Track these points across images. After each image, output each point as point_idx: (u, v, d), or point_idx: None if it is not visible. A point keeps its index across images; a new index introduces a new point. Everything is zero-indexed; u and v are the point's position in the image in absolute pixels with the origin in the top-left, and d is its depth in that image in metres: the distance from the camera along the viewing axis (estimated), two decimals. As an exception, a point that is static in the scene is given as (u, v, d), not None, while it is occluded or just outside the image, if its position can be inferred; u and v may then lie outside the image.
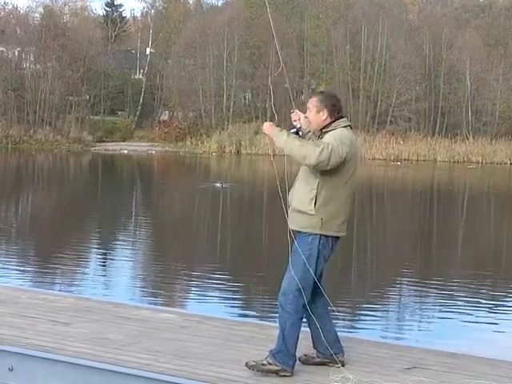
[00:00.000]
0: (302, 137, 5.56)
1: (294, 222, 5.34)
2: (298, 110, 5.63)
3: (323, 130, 5.39)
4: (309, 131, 5.57)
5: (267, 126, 5.42)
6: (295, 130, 5.54)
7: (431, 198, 31.56)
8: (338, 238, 5.39)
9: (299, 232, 5.32)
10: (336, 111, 5.39)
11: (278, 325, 5.38)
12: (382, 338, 8.14)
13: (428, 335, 9.67)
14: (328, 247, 5.32)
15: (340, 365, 5.43)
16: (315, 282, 5.35)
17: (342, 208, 5.31)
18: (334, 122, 5.37)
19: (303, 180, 5.34)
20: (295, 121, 5.57)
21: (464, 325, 10.33)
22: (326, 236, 5.27)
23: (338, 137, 5.26)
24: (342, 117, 5.42)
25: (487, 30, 67.11)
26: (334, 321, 5.74)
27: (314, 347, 5.54)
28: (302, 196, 5.29)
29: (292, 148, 5.22)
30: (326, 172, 5.21)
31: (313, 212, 5.22)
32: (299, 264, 5.26)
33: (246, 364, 5.22)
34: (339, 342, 5.55)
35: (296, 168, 5.50)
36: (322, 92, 5.72)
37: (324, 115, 5.37)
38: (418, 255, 17.11)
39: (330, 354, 5.46)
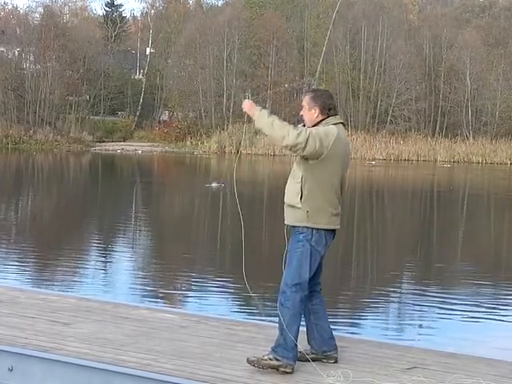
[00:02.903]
0: None
1: (287, 217, 5.46)
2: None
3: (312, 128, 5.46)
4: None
5: (248, 105, 5.47)
6: (303, 125, 5.56)
7: (422, 199, 31.57)
8: (331, 232, 5.42)
9: (293, 228, 5.40)
10: (327, 108, 5.47)
11: (277, 325, 5.39)
12: (382, 338, 8.13)
13: (428, 335, 9.67)
14: (322, 243, 5.36)
15: (333, 361, 5.49)
16: (312, 278, 5.40)
17: (327, 202, 5.35)
18: (324, 119, 5.45)
19: (292, 175, 5.45)
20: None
21: (464, 325, 10.33)
22: (317, 230, 5.31)
23: (322, 130, 5.34)
24: (335, 114, 5.50)
25: (487, 30, 67.14)
26: (335, 320, 5.73)
27: (308, 342, 5.57)
28: (290, 190, 5.42)
29: (272, 128, 5.29)
30: (308, 166, 5.30)
31: (299, 205, 5.32)
32: (293, 260, 5.34)
33: (247, 359, 5.24)
34: (333, 339, 5.57)
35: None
36: (314, 89, 5.86)
37: (316, 113, 5.46)
38: (417, 255, 17.10)
39: (322, 351, 5.51)
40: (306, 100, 5.53)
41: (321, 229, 5.34)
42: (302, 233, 5.33)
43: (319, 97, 5.51)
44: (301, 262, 5.31)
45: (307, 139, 5.21)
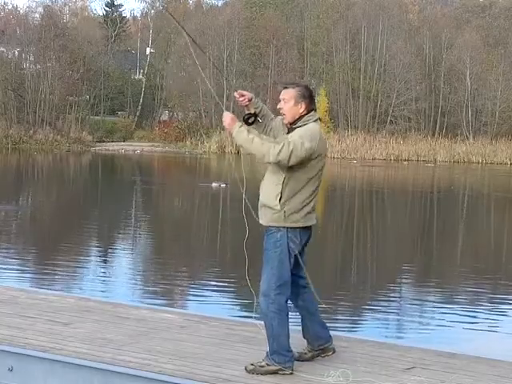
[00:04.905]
0: (261, 121, 5.47)
1: (262, 217, 5.34)
2: (242, 91, 5.47)
3: (293, 125, 5.32)
4: (257, 113, 5.45)
5: (228, 120, 5.25)
6: (252, 117, 5.40)
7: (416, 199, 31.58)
8: (307, 230, 5.35)
9: (268, 228, 5.30)
10: (313, 104, 5.35)
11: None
12: (382, 338, 8.13)
13: (428, 335, 9.67)
14: (296, 242, 5.29)
15: (331, 352, 5.49)
16: (296, 273, 5.36)
17: (305, 201, 5.27)
18: (305, 115, 5.30)
19: (271, 173, 5.32)
20: (246, 106, 5.44)
21: (464, 325, 10.33)
22: (292, 229, 5.24)
23: (305, 133, 5.19)
24: (313, 109, 5.36)
25: (487, 30, 67.10)
26: (335, 320, 5.74)
27: (304, 337, 5.54)
28: (268, 191, 5.29)
29: (252, 146, 5.17)
30: (292, 167, 5.18)
31: (278, 207, 5.21)
32: (273, 262, 5.26)
33: (245, 368, 5.23)
34: (327, 330, 5.56)
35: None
36: (297, 83, 5.59)
37: (302, 108, 5.30)
38: (418, 255, 17.11)
39: (318, 344, 5.50)
40: (290, 93, 5.31)
41: (295, 227, 5.26)
42: (278, 232, 5.24)
43: (306, 92, 5.34)
44: (281, 261, 5.24)
45: (289, 155, 5.08)
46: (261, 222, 5.35)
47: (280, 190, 5.20)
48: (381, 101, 62.12)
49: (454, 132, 60.90)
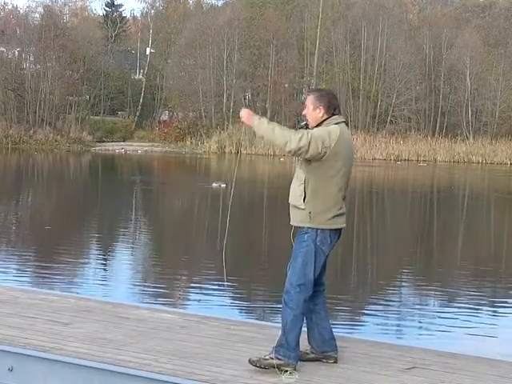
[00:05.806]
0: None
1: (292, 217, 5.50)
2: None
3: (314, 128, 5.50)
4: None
5: (246, 114, 5.43)
6: (305, 123, 5.64)
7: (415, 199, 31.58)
8: (336, 231, 5.47)
9: (298, 227, 5.45)
10: (332, 108, 5.51)
11: (278, 325, 5.44)
12: (382, 338, 8.13)
13: (428, 335, 9.66)
14: (327, 242, 5.41)
15: (332, 361, 5.52)
16: (316, 278, 5.44)
17: (330, 202, 5.40)
18: (327, 119, 5.47)
19: (296, 175, 5.50)
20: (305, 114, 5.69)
21: (464, 325, 10.32)
22: (322, 230, 5.36)
23: (324, 130, 5.37)
24: (339, 113, 5.54)
25: (487, 30, 67.14)
26: (334, 320, 5.74)
27: (309, 342, 5.60)
28: (294, 191, 5.47)
29: (273, 135, 5.32)
30: (311, 167, 5.35)
31: (302, 206, 5.37)
32: (298, 260, 5.38)
33: (249, 360, 5.28)
34: (334, 339, 5.60)
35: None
36: (319, 89, 5.88)
37: (320, 112, 5.48)
38: (418, 256, 17.11)
39: (321, 351, 5.54)
40: (310, 100, 5.55)
41: (325, 229, 5.38)
42: (306, 233, 5.38)
43: (324, 96, 5.54)
44: (305, 261, 5.35)
45: (309, 142, 5.25)
46: (291, 222, 5.50)
47: (303, 189, 5.36)
48: (381, 101, 62.12)
49: (454, 132, 60.92)
